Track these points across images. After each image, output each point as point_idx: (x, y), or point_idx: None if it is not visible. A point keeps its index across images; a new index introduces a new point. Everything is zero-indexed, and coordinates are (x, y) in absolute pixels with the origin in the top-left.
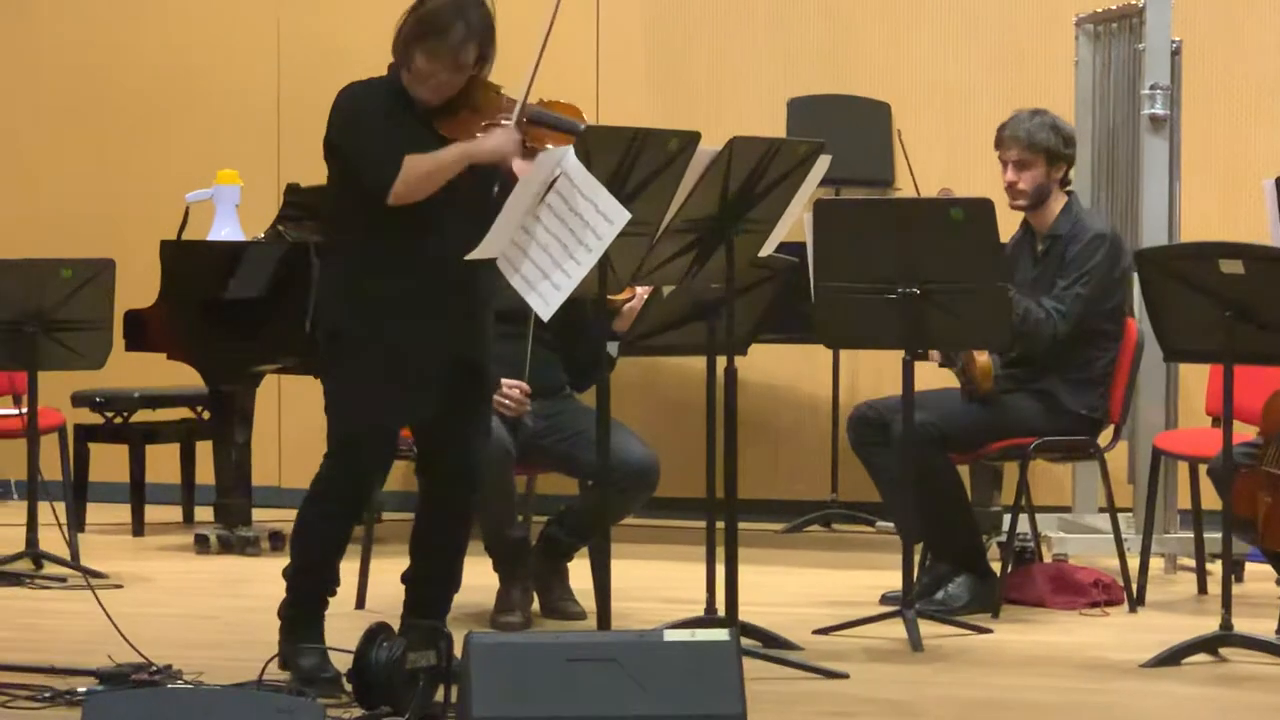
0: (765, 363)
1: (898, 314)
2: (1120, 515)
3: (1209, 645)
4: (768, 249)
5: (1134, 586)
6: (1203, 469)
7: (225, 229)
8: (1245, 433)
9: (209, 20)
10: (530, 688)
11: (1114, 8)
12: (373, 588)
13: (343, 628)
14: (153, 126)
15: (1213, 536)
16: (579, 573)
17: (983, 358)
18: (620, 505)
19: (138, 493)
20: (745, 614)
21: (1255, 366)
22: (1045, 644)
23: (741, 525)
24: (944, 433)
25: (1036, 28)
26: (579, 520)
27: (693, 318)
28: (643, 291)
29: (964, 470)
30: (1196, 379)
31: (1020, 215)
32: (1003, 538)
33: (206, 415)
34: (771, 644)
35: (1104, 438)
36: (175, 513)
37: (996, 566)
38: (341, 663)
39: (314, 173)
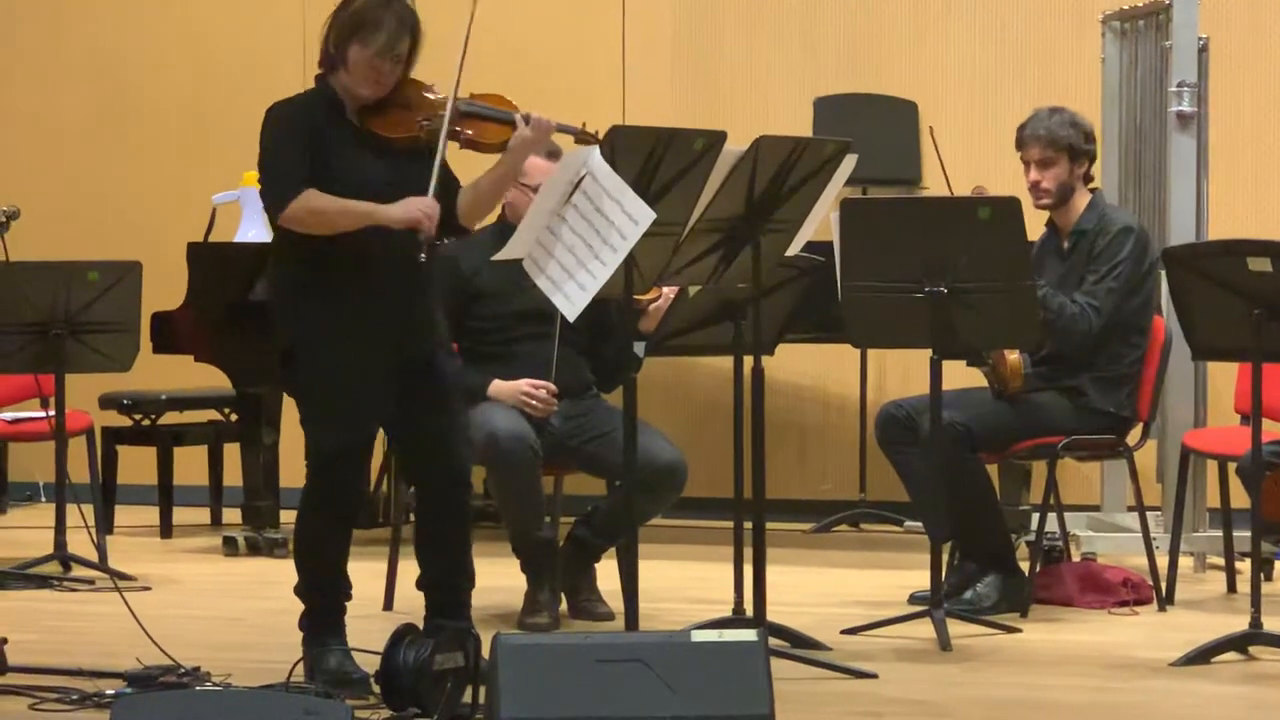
0: (792, 362)
1: (925, 313)
2: (1149, 514)
3: (1238, 644)
4: (794, 248)
5: (1163, 585)
6: (1231, 467)
7: (252, 231)
8: (1275, 431)
9: (236, 23)
10: (558, 689)
11: (1141, 5)
12: (400, 589)
13: (371, 629)
14: (179, 129)
15: (1242, 535)
16: (607, 574)
17: (1012, 356)
18: (648, 506)
19: (165, 495)
20: (773, 614)
21: None
22: (1074, 643)
23: (769, 525)
24: (972, 432)
25: (1063, 25)
26: (607, 521)
27: (719, 318)
28: (669, 291)
29: (992, 469)
30: (1225, 377)
31: (1044, 216)
32: (1031, 537)
33: (234, 417)
34: (800, 644)
35: (1132, 436)
36: (203, 515)
37: (1025, 566)
38: (369, 664)
39: None
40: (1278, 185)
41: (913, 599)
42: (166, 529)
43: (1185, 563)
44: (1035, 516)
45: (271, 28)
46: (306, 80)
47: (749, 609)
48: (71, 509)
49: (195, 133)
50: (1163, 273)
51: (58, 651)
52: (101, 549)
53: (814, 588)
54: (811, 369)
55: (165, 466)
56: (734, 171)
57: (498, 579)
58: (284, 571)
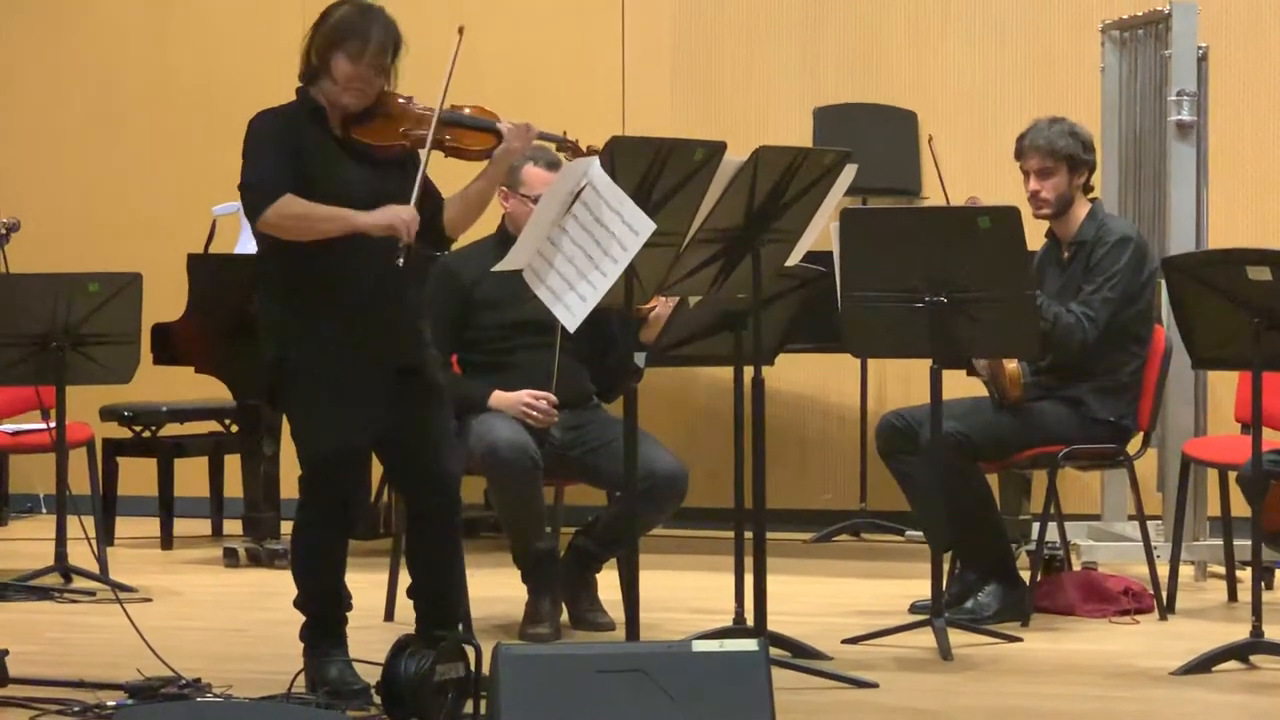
0: (793, 372)
1: (925, 323)
2: (1149, 523)
3: (1239, 653)
4: (794, 259)
5: (1164, 594)
6: (1232, 476)
7: (253, 242)
8: (1275, 440)
9: (237, 33)
10: (559, 699)
11: (1140, 14)
12: (401, 600)
13: (372, 640)
14: (180, 139)
15: (1242, 543)
16: (608, 584)
17: (1012, 365)
18: (649, 516)
19: (166, 506)
20: (774, 624)
21: None
22: (1075, 652)
23: (770, 535)
24: (973, 441)
25: (1063, 35)
26: (607, 531)
27: (720, 328)
28: (669, 300)
29: (993, 479)
30: (1225, 386)
31: (1044, 226)
32: (1032, 546)
33: (235, 428)
34: (801, 654)
35: (1133, 445)
36: (204, 526)
37: (1026, 575)
38: (370, 675)
39: None
40: (1277, 194)
41: (914, 608)
42: (167, 540)
43: (1186, 572)
44: (1036, 526)
45: (273, 40)
46: None
47: (750, 619)
48: (72, 520)
49: (196, 145)
50: (1163, 282)
51: (59, 663)
52: (102, 560)
53: (815, 597)
54: (812, 379)
55: (166, 478)
56: (734, 182)
57: (499, 589)
58: (285, 583)
